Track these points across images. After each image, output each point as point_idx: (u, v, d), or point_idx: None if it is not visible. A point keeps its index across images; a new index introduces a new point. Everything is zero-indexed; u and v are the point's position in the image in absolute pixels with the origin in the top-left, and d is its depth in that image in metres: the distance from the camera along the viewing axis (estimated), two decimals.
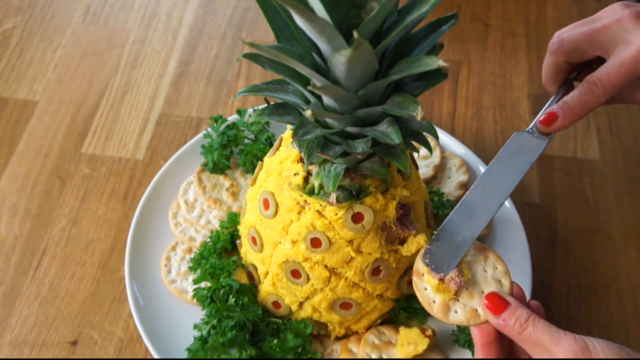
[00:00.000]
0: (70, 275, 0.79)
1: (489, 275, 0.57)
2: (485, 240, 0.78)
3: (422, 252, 0.59)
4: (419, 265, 0.58)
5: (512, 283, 0.57)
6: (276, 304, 0.70)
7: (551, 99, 0.66)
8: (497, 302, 0.53)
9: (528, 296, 0.71)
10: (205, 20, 1.07)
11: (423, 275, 0.58)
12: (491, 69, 1.01)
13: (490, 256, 0.59)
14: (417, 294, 0.57)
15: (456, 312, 0.55)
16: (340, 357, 0.69)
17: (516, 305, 0.53)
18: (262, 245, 0.67)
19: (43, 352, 0.74)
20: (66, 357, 0.73)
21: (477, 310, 0.55)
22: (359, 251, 0.62)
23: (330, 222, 0.60)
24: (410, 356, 0.67)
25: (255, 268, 0.70)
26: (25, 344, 0.74)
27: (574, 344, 0.49)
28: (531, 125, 0.64)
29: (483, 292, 0.56)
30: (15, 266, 0.80)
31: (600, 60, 0.64)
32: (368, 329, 0.70)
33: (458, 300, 0.56)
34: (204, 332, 0.67)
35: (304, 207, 0.61)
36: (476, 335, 0.55)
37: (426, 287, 0.57)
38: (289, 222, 0.62)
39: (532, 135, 0.63)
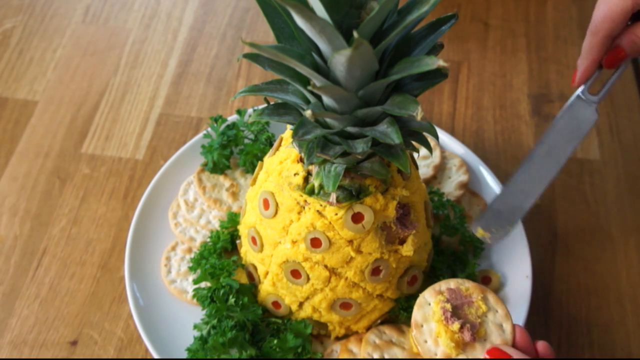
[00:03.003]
0: (70, 275, 0.79)
1: (489, 320, 0.56)
2: (485, 241, 0.78)
3: (419, 301, 0.58)
4: (418, 316, 0.57)
5: (513, 326, 0.55)
6: (276, 304, 0.70)
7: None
8: (499, 357, 0.52)
9: (528, 296, 0.71)
10: (205, 20, 1.07)
11: (422, 326, 0.56)
12: (491, 69, 1.01)
13: (490, 298, 0.57)
14: (419, 348, 0.56)
15: None
16: (340, 357, 0.69)
17: (518, 358, 0.52)
18: (262, 245, 0.67)
19: (43, 352, 0.74)
20: (66, 357, 0.73)
21: None
22: (359, 251, 0.62)
23: (330, 222, 0.60)
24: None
25: (255, 268, 0.70)
26: (25, 344, 0.74)
27: None
28: (582, 88, 0.68)
29: (485, 341, 0.54)
30: (15, 266, 0.80)
31: None
32: (368, 329, 0.70)
33: (461, 352, 0.54)
34: (204, 332, 0.67)
35: (304, 207, 0.61)
36: None
37: (426, 339, 0.56)
38: (289, 222, 0.63)
39: (584, 101, 0.67)
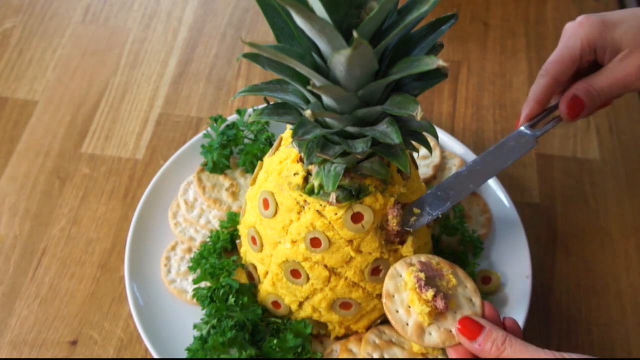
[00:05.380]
0: (70, 275, 0.79)
1: (460, 294, 0.56)
2: (485, 240, 0.78)
3: (390, 272, 0.58)
4: (390, 286, 0.57)
5: (483, 302, 0.56)
6: (276, 304, 0.70)
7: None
8: (471, 327, 0.52)
9: (528, 296, 0.72)
10: (205, 20, 1.07)
11: (394, 297, 0.57)
12: (491, 69, 1.01)
13: (460, 273, 0.58)
14: (390, 317, 0.56)
15: (431, 334, 0.55)
16: (340, 357, 0.69)
17: (491, 328, 0.52)
18: (262, 245, 0.67)
19: (43, 352, 0.74)
20: (66, 357, 0.73)
21: (451, 332, 0.54)
22: (359, 251, 0.62)
23: (330, 222, 0.60)
24: (421, 351, 0.67)
25: (255, 268, 0.70)
26: (25, 344, 0.74)
27: None
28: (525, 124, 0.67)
29: (456, 313, 0.55)
30: (15, 266, 0.80)
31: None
32: (368, 329, 0.70)
33: (432, 322, 0.55)
34: (204, 332, 0.67)
35: (304, 207, 0.61)
36: (452, 355, 0.54)
37: (398, 309, 0.56)
38: (289, 222, 0.63)
39: (525, 133, 0.67)
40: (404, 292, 0.56)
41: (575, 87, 0.65)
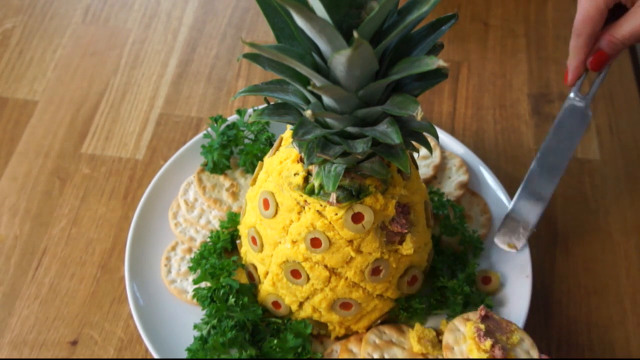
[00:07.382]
0: (70, 275, 0.79)
1: (518, 350, 0.58)
2: (485, 240, 0.78)
3: (449, 326, 0.61)
4: (449, 339, 0.59)
5: (539, 355, 0.58)
6: (276, 304, 0.70)
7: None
8: None
9: (528, 296, 0.71)
10: (205, 20, 1.07)
11: (453, 348, 0.58)
12: (491, 69, 1.01)
13: (517, 330, 0.60)
14: None
15: None
16: (340, 357, 0.69)
17: None
18: (262, 245, 0.67)
19: (43, 352, 0.74)
20: (66, 357, 0.73)
21: None
22: (359, 251, 0.62)
23: (330, 222, 0.60)
24: (422, 351, 0.67)
25: (255, 268, 0.70)
26: (25, 344, 0.74)
27: None
28: (573, 90, 0.71)
29: None
30: (15, 266, 0.80)
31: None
32: (368, 329, 0.70)
33: None
34: (204, 332, 0.67)
35: (304, 207, 0.61)
36: None
37: None
38: (289, 222, 0.63)
39: (577, 103, 0.71)
40: (463, 344, 0.58)
41: (600, 41, 0.67)
